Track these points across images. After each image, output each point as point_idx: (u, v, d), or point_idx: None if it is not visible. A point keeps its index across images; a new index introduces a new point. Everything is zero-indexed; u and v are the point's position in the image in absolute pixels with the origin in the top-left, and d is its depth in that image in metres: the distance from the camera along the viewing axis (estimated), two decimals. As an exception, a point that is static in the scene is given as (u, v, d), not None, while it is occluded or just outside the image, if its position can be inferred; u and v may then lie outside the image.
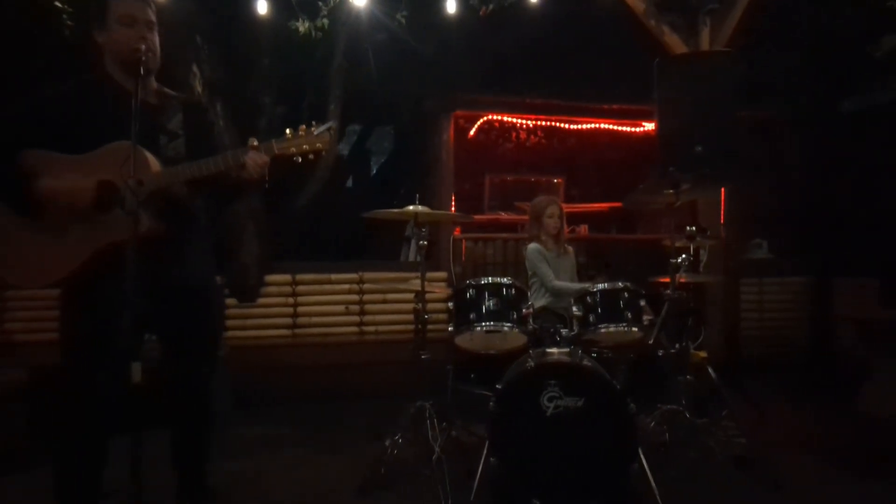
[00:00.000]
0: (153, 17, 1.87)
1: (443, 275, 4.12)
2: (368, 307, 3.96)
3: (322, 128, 1.85)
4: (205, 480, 2.11)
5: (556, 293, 3.15)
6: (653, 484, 2.16)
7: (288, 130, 1.84)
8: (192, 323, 1.96)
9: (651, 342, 2.69)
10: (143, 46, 1.73)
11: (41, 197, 1.74)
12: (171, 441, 2.06)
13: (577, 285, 3.16)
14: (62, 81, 1.87)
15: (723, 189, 3.97)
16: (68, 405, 1.83)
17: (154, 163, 1.77)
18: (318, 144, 1.84)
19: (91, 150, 1.77)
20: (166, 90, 2.01)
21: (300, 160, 1.86)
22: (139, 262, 1.51)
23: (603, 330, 2.59)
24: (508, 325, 2.54)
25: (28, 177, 1.74)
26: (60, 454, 1.86)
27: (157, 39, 1.89)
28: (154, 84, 1.97)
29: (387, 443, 2.51)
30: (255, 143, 1.82)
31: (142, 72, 1.67)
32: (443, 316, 3.67)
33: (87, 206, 1.74)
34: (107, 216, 1.76)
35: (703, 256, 3.63)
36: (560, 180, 5.37)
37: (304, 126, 1.84)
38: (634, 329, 2.61)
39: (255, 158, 1.81)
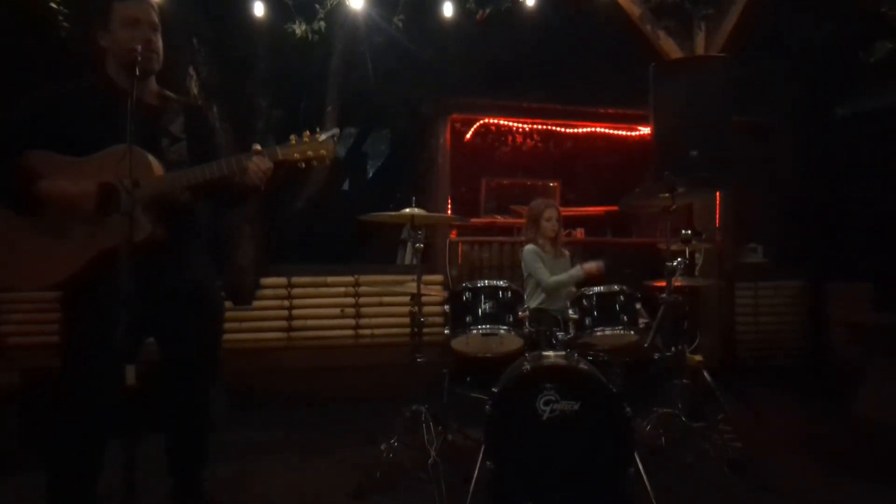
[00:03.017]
0: (156, 20, 1.87)
1: (439, 278, 4.12)
2: (364, 310, 3.95)
3: (326, 134, 1.85)
4: (201, 486, 2.09)
5: (553, 289, 3.15)
6: (648, 487, 2.16)
7: (292, 136, 1.84)
8: (192, 327, 1.94)
9: (647, 345, 2.69)
10: (140, 46, 1.72)
11: (43, 197, 1.72)
12: (167, 446, 2.04)
13: (567, 273, 3.15)
14: (63, 82, 1.86)
15: (718, 193, 4.00)
16: (66, 409, 1.80)
17: (157, 167, 1.76)
18: (322, 151, 1.84)
19: (93, 152, 1.76)
20: (167, 93, 2.00)
21: (304, 166, 1.86)
22: (140, 265, 1.49)
23: (599, 333, 2.59)
24: (504, 328, 2.54)
25: (30, 176, 1.73)
26: (54, 458, 1.83)
27: (160, 42, 1.89)
28: (155, 86, 1.96)
29: (382, 447, 2.50)
30: (259, 148, 1.82)
31: (137, 72, 1.66)
32: (439, 319, 3.66)
33: (89, 208, 1.73)
34: (109, 220, 1.74)
35: (699, 260, 3.65)
36: (556, 184, 5.38)
37: (307, 132, 1.84)
38: (630, 332, 2.61)
39: (259, 164, 1.81)
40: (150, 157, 1.74)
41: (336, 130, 1.94)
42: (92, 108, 1.80)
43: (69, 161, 1.76)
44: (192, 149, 1.93)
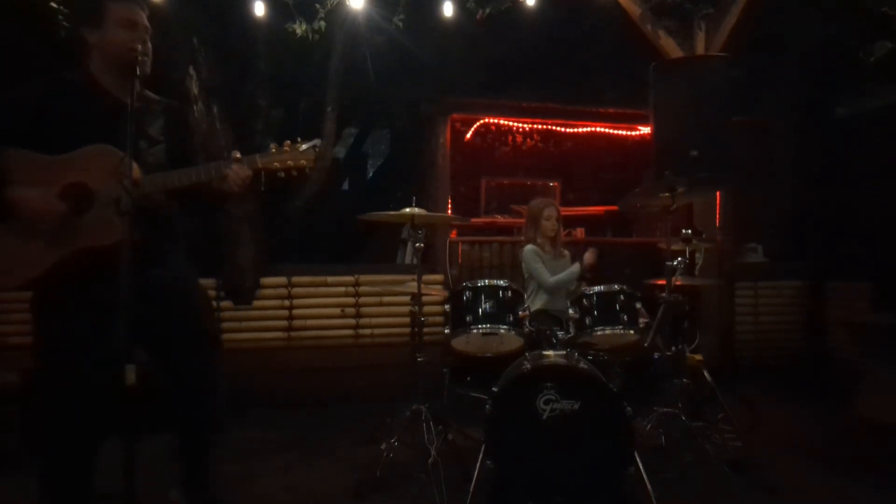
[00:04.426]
0: (147, 23, 1.87)
1: (439, 277, 4.12)
2: (364, 310, 3.95)
3: (307, 145, 1.83)
4: (211, 484, 2.07)
5: (553, 289, 3.15)
6: (649, 487, 2.16)
7: (273, 145, 1.83)
8: (176, 330, 1.91)
9: (647, 345, 2.69)
10: (140, 48, 1.72)
11: (12, 201, 1.69)
12: (175, 446, 2.01)
13: (567, 272, 3.16)
14: (42, 77, 1.83)
15: (718, 193, 4.00)
16: (41, 410, 1.79)
17: (135, 169, 1.75)
18: (301, 161, 1.82)
19: (71, 150, 1.73)
20: (149, 94, 1.98)
21: (283, 176, 1.84)
22: (116, 268, 1.47)
23: (599, 332, 2.60)
24: (505, 327, 2.55)
25: (3, 179, 1.70)
26: (44, 459, 1.82)
27: (150, 46, 1.88)
28: (137, 88, 1.96)
29: (382, 446, 2.50)
30: (238, 155, 1.81)
31: (138, 72, 1.66)
32: (439, 318, 3.66)
33: (60, 211, 1.71)
34: (79, 220, 1.72)
35: (699, 260, 3.65)
36: (556, 184, 5.38)
37: (289, 142, 1.82)
38: (630, 332, 2.62)
39: (238, 171, 1.79)
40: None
41: (317, 141, 1.91)
42: (72, 106, 1.78)
43: (44, 160, 1.73)
44: (170, 151, 1.91)
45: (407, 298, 3.20)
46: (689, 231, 3.07)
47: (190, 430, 2.02)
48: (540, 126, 5.26)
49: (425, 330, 2.69)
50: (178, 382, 1.95)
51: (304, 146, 1.82)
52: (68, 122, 1.76)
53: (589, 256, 3.16)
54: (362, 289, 3.95)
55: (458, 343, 2.67)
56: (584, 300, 2.65)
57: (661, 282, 2.71)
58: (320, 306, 3.92)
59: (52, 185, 1.72)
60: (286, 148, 1.82)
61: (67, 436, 1.80)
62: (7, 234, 1.73)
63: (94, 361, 1.47)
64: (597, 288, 2.68)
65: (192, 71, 3.53)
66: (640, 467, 2.18)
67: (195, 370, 1.96)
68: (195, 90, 3.54)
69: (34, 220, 1.71)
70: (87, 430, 1.81)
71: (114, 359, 1.45)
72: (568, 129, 5.19)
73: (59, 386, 1.75)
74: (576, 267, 3.15)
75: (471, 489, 2.20)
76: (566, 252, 3.46)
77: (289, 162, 1.82)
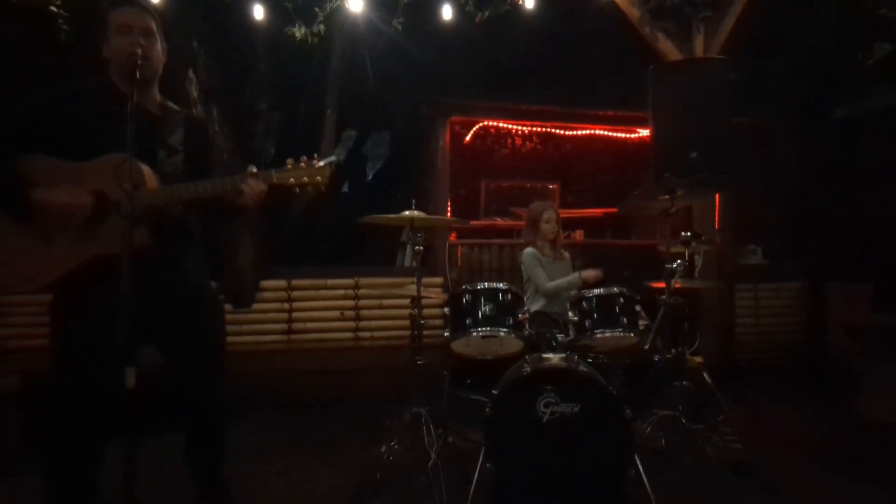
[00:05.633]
0: (152, 25, 1.87)
1: (439, 280, 4.12)
2: (364, 313, 3.95)
3: (324, 161, 1.85)
4: (224, 486, 2.07)
5: (551, 294, 3.16)
6: (649, 489, 2.16)
7: (289, 161, 1.85)
8: (190, 335, 1.94)
9: (647, 347, 2.69)
10: (138, 51, 1.72)
11: (36, 205, 1.72)
12: (185, 450, 2.02)
13: (566, 279, 3.16)
14: (64, 83, 1.86)
15: (717, 195, 4.00)
16: (57, 411, 1.80)
17: (151, 179, 1.76)
18: (317, 178, 1.84)
19: (92, 155, 1.75)
20: (170, 104, 2.00)
21: (298, 191, 1.87)
22: (133, 273, 1.49)
23: (599, 335, 2.59)
24: (504, 330, 2.55)
25: (25, 182, 1.72)
26: (50, 461, 1.83)
27: (156, 47, 1.89)
28: (157, 96, 1.97)
29: (382, 449, 2.50)
30: (255, 170, 1.83)
31: (138, 76, 1.66)
32: (439, 321, 3.65)
33: (81, 218, 1.73)
34: (98, 227, 1.74)
35: (698, 262, 3.65)
36: (555, 186, 5.40)
37: (305, 157, 1.85)
38: (630, 334, 2.61)
39: (253, 186, 1.81)
40: (146, 169, 1.74)
41: (334, 158, 1.94)
42: (93, 111, 1.80)
43: (65, 166, 1.75)
44: (188, 162, 1.93)
45: (406, 301, 3.22)
46: (689, 233, 3.07)
47: (192, 434, 2.03)
48: (539, 128, 5.27)
49: (425, 333, 2.69)
50: (181, 387, 1.96)
51: (320, 163, 1.85)
52: (89, 127, 1.78)
53: (592, 275, 3.15)
54: (362, 291, 3.95)
55: (458, 346, 2.67)
56: (584, 303, 2.65)
57: (661, 284, 2.71)
58: (320, 309, 3.92)
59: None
60: (303, 164, 1.84)
61: (81, 437, 1.81)
62: (28, 237, 1.75)
63: (109, 363, 1.48)
64: (596, 290, 2.67)
65: (191, 74, 3.54)
66: (641, 470, 2.18)
67: (199, 379, 1.97)
68: (195, 93, 3.54)
69: (62, 219, 1.72)
70: (100, 432, 1.83)
71: (118, 361, 1.46)
72: (567, 132, 5.21)
73: (77, 387, 1.77)
74: (575, 277, 3.14)
75: (471, 491, 2.20)
76: (566, 254, 3.46)
77: (304, 178, 1.84)
